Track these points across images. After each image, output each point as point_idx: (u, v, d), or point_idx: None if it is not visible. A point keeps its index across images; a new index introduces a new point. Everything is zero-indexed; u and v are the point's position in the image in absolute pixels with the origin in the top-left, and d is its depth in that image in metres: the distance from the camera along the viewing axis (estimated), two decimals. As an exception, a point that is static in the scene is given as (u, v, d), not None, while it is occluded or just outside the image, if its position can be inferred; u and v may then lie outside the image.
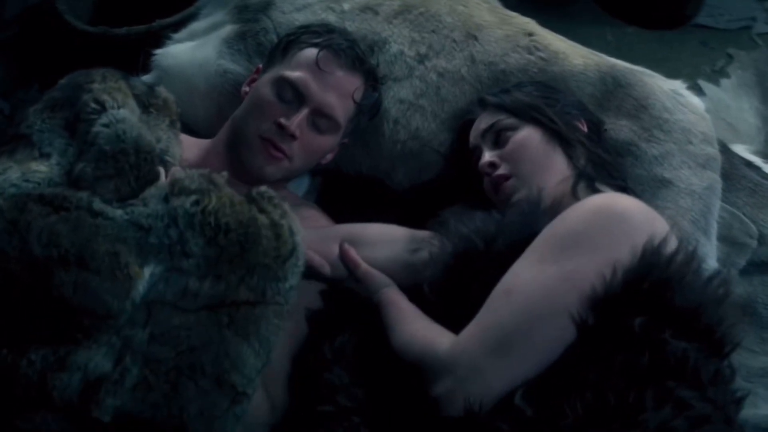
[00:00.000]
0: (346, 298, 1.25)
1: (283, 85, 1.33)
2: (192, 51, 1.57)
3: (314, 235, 1.29)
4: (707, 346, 1.00)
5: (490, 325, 1.02)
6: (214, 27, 1.59)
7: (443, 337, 1.06)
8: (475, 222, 1.17)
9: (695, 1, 2.55)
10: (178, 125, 1.31)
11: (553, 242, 1.06)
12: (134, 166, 1.10)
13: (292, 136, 1.31)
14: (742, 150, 1.76)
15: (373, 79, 1.43)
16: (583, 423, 0.94)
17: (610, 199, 1.13)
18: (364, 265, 1.24)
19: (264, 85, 1.36)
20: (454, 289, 1.12)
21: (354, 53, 1.38)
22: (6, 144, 1.15)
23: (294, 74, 1.33)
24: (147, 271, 0.99)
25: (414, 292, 1.19)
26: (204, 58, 1.54)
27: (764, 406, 1.49)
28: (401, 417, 1.07)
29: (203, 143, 1.42)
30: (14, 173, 1.07)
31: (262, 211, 1.07)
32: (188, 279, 1.00)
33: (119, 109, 1.15)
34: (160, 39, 1.65)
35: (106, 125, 1.12)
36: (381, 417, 1.07)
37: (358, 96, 1.38)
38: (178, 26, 1.71)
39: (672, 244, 1.03)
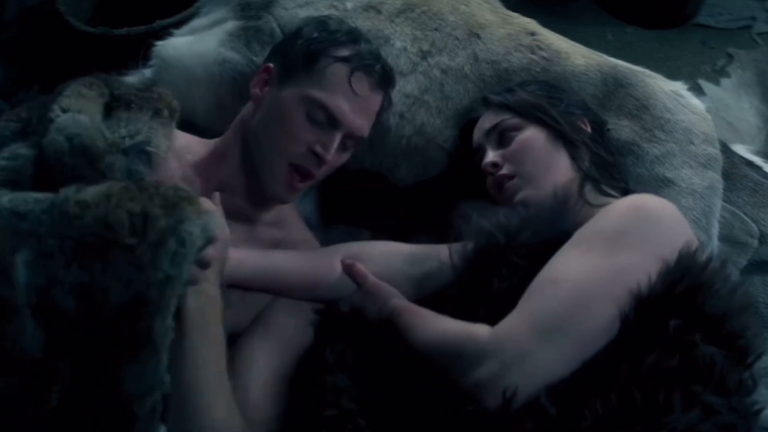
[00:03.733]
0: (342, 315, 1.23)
1: (314, 106, 1.25)
2: (192, 42, 1.57)
3: (315, 254, 1.29)
4: (732, 354, 1.01)
5: (538, 311, 1.01)
6: (216, 24, 1.59)
7: (480, 327, 1.04)
8: (497, 217, 1.16)
9: (695, 0, 2.55)
10: (166, 114, 1.24)
11: (599, 237, 1.07)
12: (72, 168, 1.07)
13: (326, 163, 1.27)
14: (742, 150, 1.77)
15: (392, 89, 1.38)
16: (608, 423, 0.94)
17: (647, 200, 1.14)
18: (371, 277, 1.22)
19: (290, 103, 1.26)
20: (477, 284, 1.11)
21: (382, 70, 1.31)
22: None
23: (328, 98, 1.25)
24: (19, 259, 0.94)
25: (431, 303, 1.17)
26: (204, 47, 1.53)
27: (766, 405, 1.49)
28: (406, 419, 1.06)
29: (209, 144, 1.37)
30: None
31: (135, 198, 0.98)
32: (54, 265, 0.94)
33: (69, 113, 1.11)
34: (160, 39, 1.64)
35: (55, 130, 1.09)
36: (386, 419, 1.07)
37: (378, 111, 1.34)
38: (178, 26, 1.70)
39: (706, 252, 1.05)
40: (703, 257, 1.03)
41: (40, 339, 0.95)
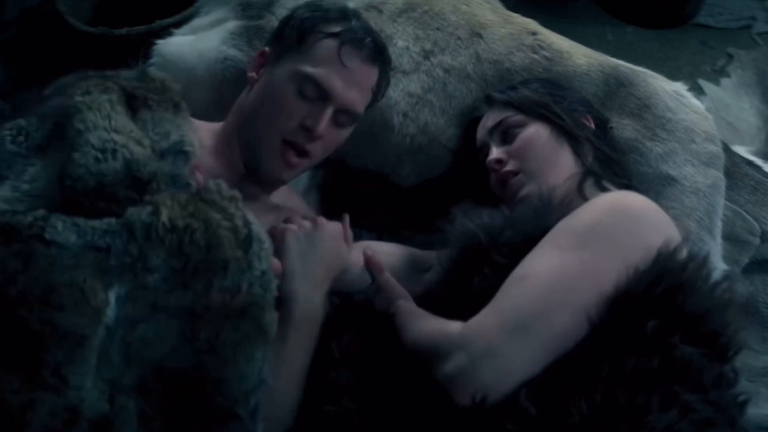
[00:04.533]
0: (353, 304, 1.24)
1: (304, 81, 1.25)
2: (194, 41, 1.56)
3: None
4: (712, 351, 1.00)
5: (506, 308, 1.01)
6: (217, 23, 1.59)
7: (455, 323, 1.05)
8: (482, 218, 1.16)
9: (695, 0, 2.55)
10: (184, 105, 1.21)
11: (571, 234, 1.06)
12: (125, 194, 1.02)
13: (319, 138, 1.26)
14: (742, 151, 1.77)
15: (388, 70, 1.38)
16: (588, 424, 0.94)
17: (627, 197, 1.14)
18: (386, 274, 1.22)
19: (282, 80, 1.27)
20: (460, 283, 1.12)
21: (373, 44, 1.31)
22: None
23: (317, 71, 1.25)
24: (112, 296, 0.91)
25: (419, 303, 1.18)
26: (205, 45, 1.53)
27: (766, 405, 1.49)
28: (407, 419, 1.06)
29: (214, 128, 1.36)
30: None
31: (210, 203, 1.00)
32: (155, 295, 0.93)
33: (101, 131, 1.05)
34: (161, 39, 1.64)
35: (81, 158, 1.02)
36: (386, 418, 1.07)
37: (375, 87, 1.34)
38: (178, 26, 1.70)
39: (686, 250, 1.04)
40: (683, 256, 1.02)
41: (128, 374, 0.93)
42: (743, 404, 1.03)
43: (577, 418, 0.94)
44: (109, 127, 1.06)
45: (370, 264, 1.24)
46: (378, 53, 1.32)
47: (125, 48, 1.82)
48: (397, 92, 1.48)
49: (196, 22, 1.65)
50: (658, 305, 0.99)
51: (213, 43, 1.53)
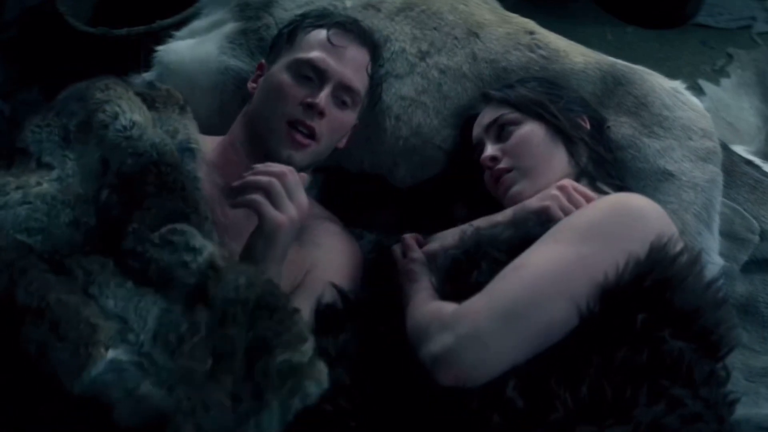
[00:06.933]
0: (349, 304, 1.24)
1: (300, 66, 1.33)
2: (193, 47, 1.57)
3: None
4: (703, 348, 1.01)
5: (497, 294, 1.03)
6: (216, 25, 1.59)
7: (449, 305, 1.07)
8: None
9: (695, 0, 2.55)
10: (189, 109, 1.28)
11: (571, 229, 1.08)
12: (157, 183, 1.07)
13: (321, 114, 1.29)
14: (741, 150, 1.77)
15: (378, 54, 1.45)
16: (575, 416, 0.94)
17: (629, 197, 1.16)
18: (422, 256, 1.26)
19: (278, 72, 1.34)
20: (459, 279, 1.13)
21: (359, 28, 1.40)
22: (3, 158, 1.12)
23: (310, 54, 1.33)
24: (110, 355, 0.91)
25: None
26: (205, 54, 1.54)
27: (766, 405, 1.48)
28: (402, 418, 1.06)
29: (217, 140, 1.39)
30: (14, 193, 1.03)
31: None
32: (142, 382, 0.91)
33: (128, 113, 1.12)
34: (160, 39, 1.65)
35: (125, 138, 1.09)
36: (382, 418, 1.07)
37: (370, 69, 1.40)
38: (178, 26, 1.71)
39: (678, 245, 1.04)
40: (674, 250, 1.03)
41: None
42: (732, 403, 1.04)
43: (562, 411, 0.94)
44: (141, 115, 1.14)
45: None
46: (365, 35, 1.40)
47: (125, 48, 1.83)
48: (390, 96, 1.48)
49: (195, 25, 1.65)
50: (647, 298, 0.99)
51: (212, 52, 1.53)
